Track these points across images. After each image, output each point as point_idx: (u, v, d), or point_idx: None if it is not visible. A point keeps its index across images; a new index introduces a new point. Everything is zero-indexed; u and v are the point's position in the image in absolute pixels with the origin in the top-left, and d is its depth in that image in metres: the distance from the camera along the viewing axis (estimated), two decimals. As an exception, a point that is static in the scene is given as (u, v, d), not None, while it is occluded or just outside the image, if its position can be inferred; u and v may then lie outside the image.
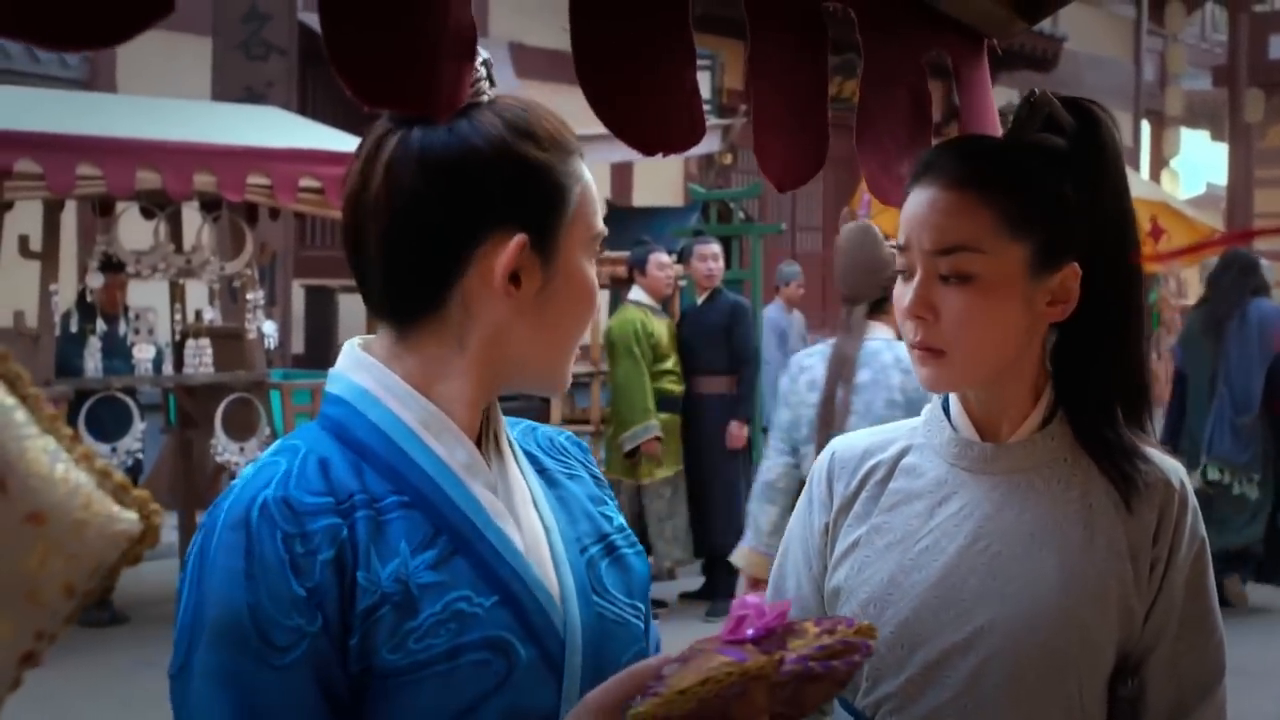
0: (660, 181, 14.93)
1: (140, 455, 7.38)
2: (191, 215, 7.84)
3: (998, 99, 1.91)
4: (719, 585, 7.73)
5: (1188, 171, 21.45)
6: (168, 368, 7.78)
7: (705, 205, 10.00)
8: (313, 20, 9.72)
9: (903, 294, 1.55)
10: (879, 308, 4.13)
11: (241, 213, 7.63)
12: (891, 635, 1.53)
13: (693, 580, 8.11)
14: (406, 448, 1.29)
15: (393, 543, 1.25)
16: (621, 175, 15.00)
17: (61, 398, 6.88)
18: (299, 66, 10.55)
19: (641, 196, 14.62)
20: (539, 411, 8.16)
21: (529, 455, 1.42)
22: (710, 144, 11.39)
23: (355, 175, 1.31)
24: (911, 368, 1.59)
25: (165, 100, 8.69)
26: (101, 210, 7.62)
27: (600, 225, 1.36)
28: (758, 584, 4.22)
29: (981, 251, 1.50)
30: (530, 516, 1.34)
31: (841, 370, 4.17)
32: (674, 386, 7.76)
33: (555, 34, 9.85)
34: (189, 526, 7.89)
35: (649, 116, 1.45)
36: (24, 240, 7.11)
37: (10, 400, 1.41)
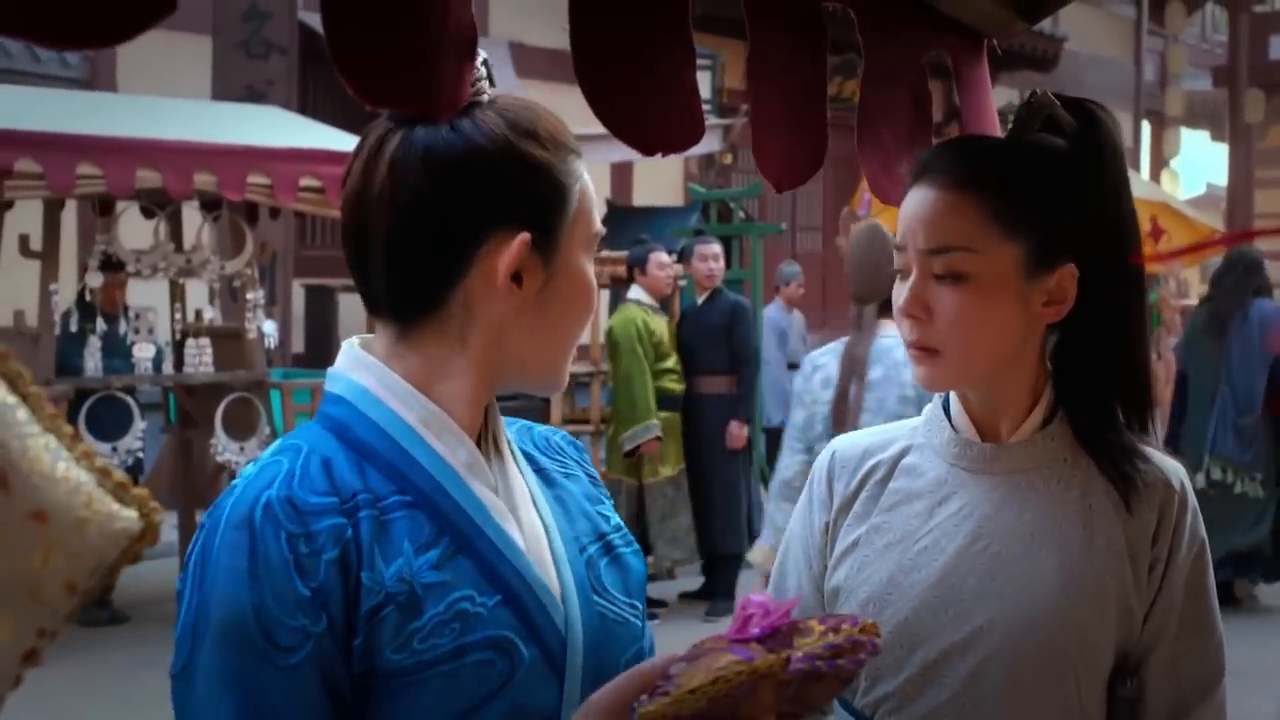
0: (660, 181, 14.93)
1: (140, 454, 7.38)
2: (191, 214, 7.84)
3: (998, 99, 1.92)
4: (719, 585, 7.74)
5: (1188, 172, 21.44)
6: (168, 367, 7.77)
7: (705, 205, 10.01)
8: (313, 19, 9.73)
9: (899, 293, 1.56)
10: (890, 306, 4.15)
11: (242, 212, 7.63)
12: (891, 635, 1.52)
13: (692, 580, 8.10)
14: (408, 447, 1.29)
15: (396, 542, 1.24)
16: (621, 175, 15.00)
17: (62, 397, 6.87)
18: (299, 65, 10.55)
19: (641, 196, 14.62)
20: (539, 411, 8.16)
21: (526, 455, 1.42)
22: (710, 144, 11.40)
23: (356, 174, 1.31)
24: None
25: (165, 99, 8.70)
26: (102, 209, 7.62)
27: (599, 225, 1.37)
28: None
29: (974, 251, 1.51)
30: (530, 516, 1.34)
31: (854, 368, 4.21)
32: (675, 385, 7.76)
33: (555, 34, 9.84)
34: (189, 526, 7.89)
35: (649, 116, 1.45)
36: (24, 239, 7.12)
37: (11, 399, 1.41)
